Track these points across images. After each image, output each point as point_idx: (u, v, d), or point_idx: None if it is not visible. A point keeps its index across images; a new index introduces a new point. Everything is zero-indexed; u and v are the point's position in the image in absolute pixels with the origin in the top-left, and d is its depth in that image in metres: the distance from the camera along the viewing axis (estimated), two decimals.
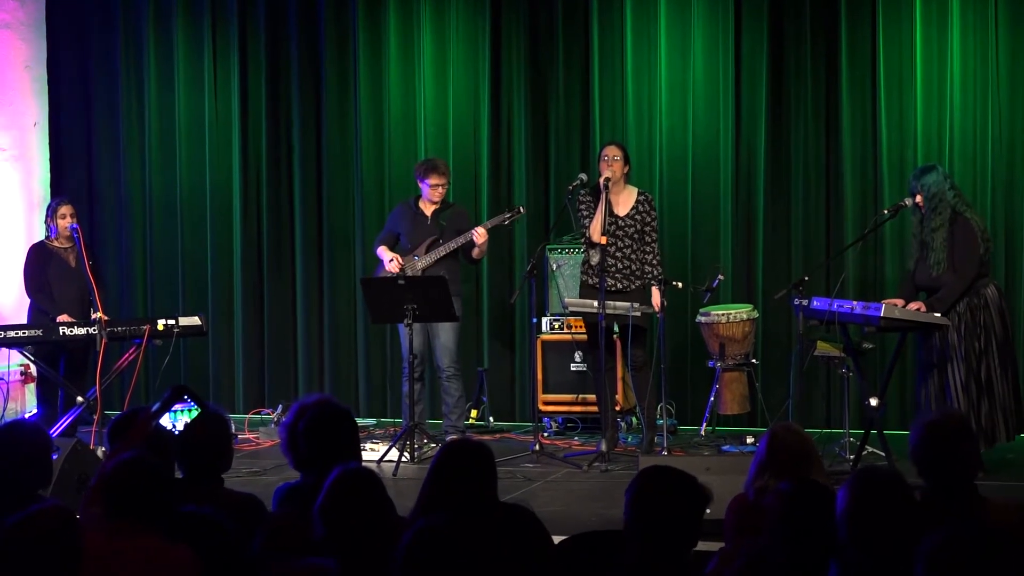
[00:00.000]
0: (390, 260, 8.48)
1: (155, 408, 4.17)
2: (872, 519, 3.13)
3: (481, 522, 3.41)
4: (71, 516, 3.31)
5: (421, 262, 8.49)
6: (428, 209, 8.60)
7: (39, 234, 9.32)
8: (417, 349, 8.20)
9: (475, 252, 8.53)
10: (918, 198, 7.48)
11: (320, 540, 3.60)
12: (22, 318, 8.98)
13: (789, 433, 4.29)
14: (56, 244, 8.79)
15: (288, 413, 4.40)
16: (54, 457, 4.61)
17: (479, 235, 8.44)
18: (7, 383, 9.36)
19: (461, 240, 8.47)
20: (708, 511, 4.95)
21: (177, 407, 4.16)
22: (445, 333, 8.51)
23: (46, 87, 10.33)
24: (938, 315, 7.27)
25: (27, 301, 8.90)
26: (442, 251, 8.49)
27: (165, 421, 4.13)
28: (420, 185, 8.61)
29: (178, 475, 4.42)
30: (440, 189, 8.53)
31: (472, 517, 3.29)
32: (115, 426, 4.40)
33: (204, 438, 4.35)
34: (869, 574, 3.08)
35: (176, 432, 4.16)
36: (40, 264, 8.77)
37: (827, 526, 3.37)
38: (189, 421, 4.20)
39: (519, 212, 8.68)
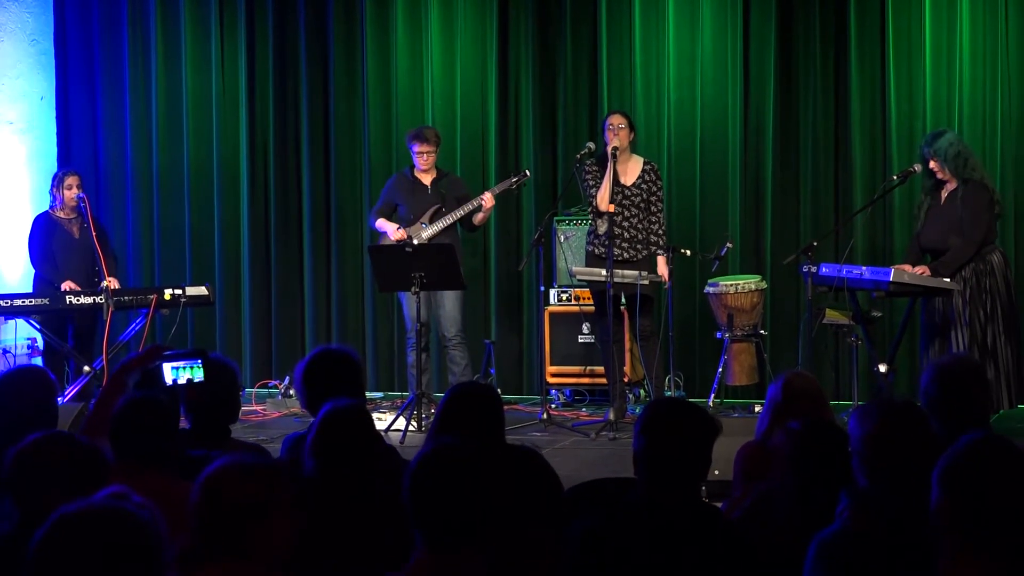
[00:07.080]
0: (396, 229, 8.45)
1: (169, 352, 4.17)
2: (891, 445, 3.11)
3: (490, 457, 3.40)
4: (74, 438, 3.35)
5: (428, 231, 8.45)
6: (426, 179, 8.56)
7: (46, 207, 9.29)
8: (423, 318, 8.17)
9: (478, 218, 8.50)
10: (931, 163, 7.44)
11: (310, 474, 3.67)
12: (29, 290, 8.95)
13: (803, 379, 4.30)
14: (60, 215, 8.72)
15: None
16: (60, 402, 4.62)
17: (487, 200, 8.42)
18: (14, 356, 9.34)
19: (469, 207, 8.43)
20: (716, 472, 4.94)
21: (180, 363, 4.14)
22: (449, 302, 8.49)
23: (52, 61, 10.30)
24: (947, 280, 7.25)
25: (33, 274, 8.88)
26: (449, 219, 8.45)
27: (167, 375, 4.12)
28: (412, 154, 8.59)
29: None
30: (425, 156, 8.47)
31: (481, 451, 3.28)
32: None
33: (212, 385, 4.34)
34: (882, 505, 3.05)
35: (175, 385, 4.15)
36: (45, 235, 8.70)
37: (838, 461, 3.36)
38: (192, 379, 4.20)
39: (525, 175, 8.64)
